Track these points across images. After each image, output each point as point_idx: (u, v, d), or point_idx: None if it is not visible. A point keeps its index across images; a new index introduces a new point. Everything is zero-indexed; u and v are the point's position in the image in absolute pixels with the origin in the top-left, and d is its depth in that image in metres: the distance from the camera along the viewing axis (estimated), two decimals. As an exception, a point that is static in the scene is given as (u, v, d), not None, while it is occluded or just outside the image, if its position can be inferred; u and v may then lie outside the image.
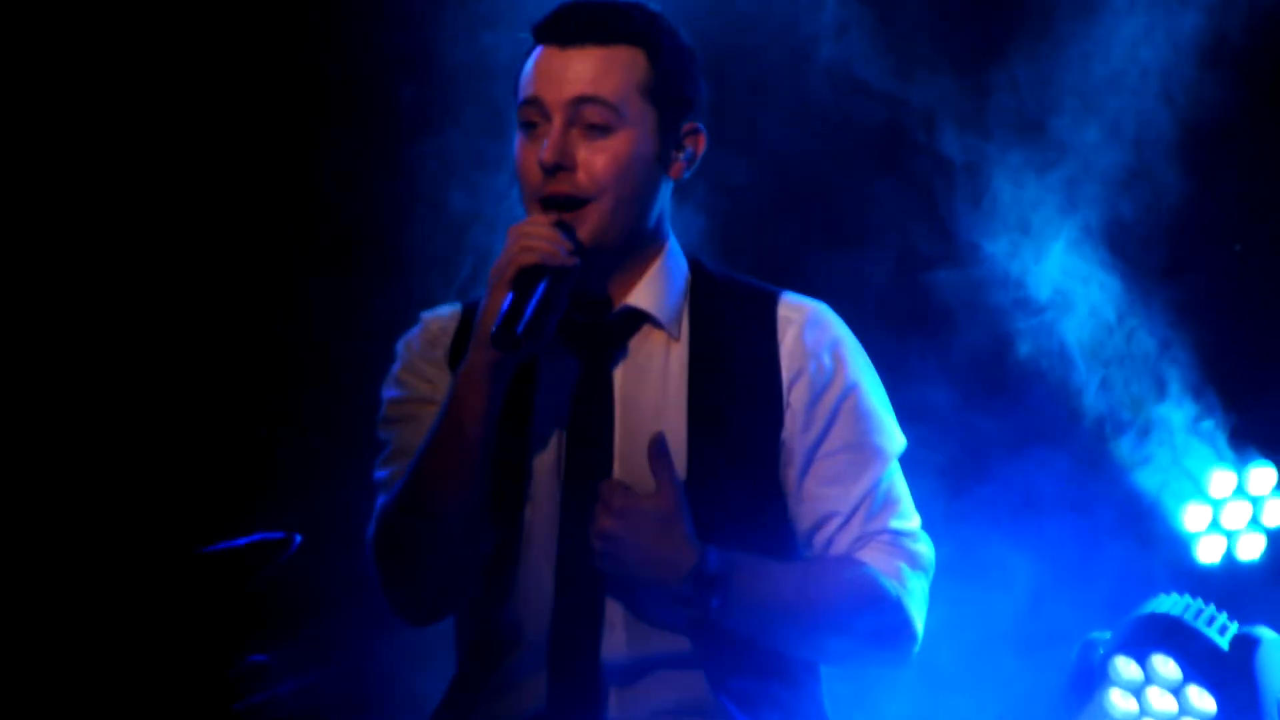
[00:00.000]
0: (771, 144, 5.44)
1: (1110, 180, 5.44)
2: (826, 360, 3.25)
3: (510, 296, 2.99)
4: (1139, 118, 5.38)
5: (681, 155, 3.25)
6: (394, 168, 5.33)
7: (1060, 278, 5.47)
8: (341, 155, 5.39)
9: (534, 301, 2.99)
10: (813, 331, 3.26)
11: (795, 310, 3.28)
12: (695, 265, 3.30)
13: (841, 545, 3.20)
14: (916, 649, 3.23)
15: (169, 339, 5.33)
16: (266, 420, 5.44)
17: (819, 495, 3.22)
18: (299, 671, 5.19)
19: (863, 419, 3.26)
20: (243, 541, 3.41)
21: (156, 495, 5.20)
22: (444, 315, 3.34)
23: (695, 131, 3.27)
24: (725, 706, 3.12)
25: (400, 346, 3.31)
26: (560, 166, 3.12)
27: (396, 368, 3.29)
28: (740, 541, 3.13)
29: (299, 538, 3.31)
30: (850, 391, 3.26)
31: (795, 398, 3.20)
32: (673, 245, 3.28)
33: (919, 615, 3.23)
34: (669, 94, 3.23)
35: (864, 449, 3.25)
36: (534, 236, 3.04)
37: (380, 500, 3.20)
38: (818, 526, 3.22)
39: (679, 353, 3.22)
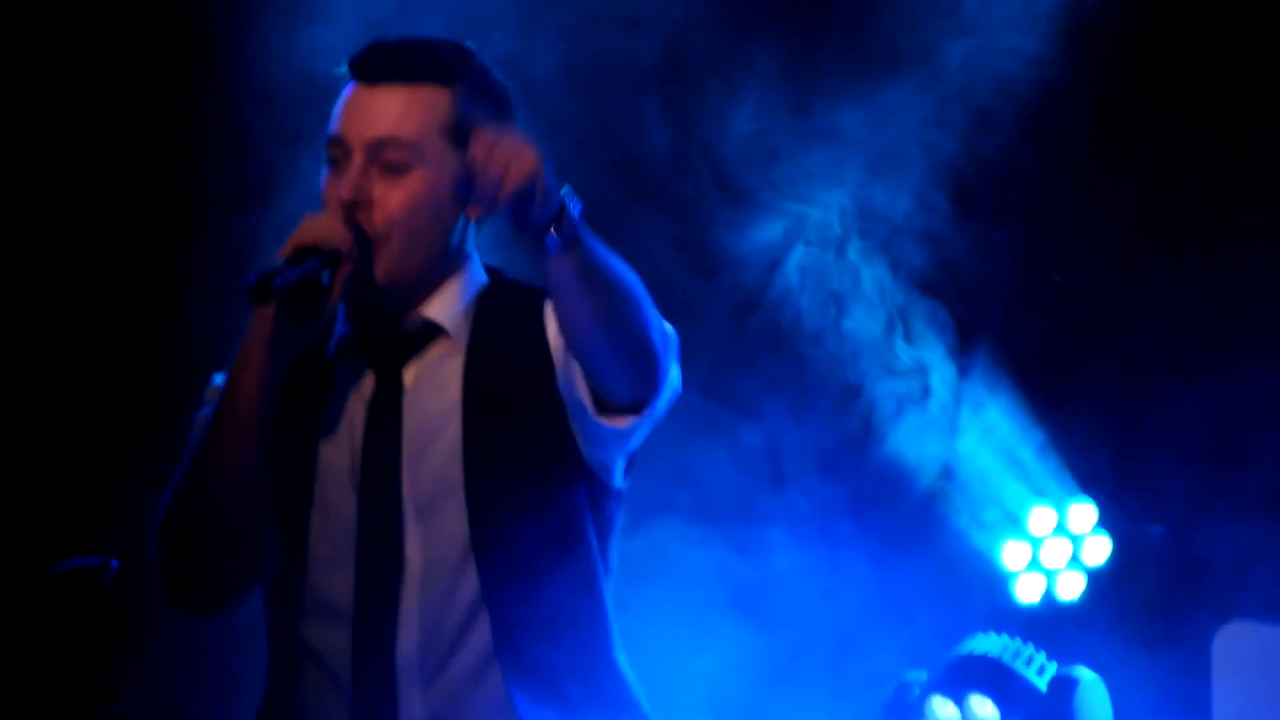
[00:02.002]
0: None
1: (924, 224, 5.47)
2: None
3: (280, 261, 3.08)
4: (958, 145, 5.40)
5: None
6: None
7: (878, 313, 5.47)
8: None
9: (300, 268, 3.07)
10: None
11: None
12: (493, 276, 3.36)
13: None
14: (663, 395, 3.18)
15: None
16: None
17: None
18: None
19: None
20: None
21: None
22: None
23: None
24: (517, 702, 3.16)
25: (215, 377, 3.33)
26: (356, 203, 3.18)
27: (206, 393, 3.32)
28: (525, 521, 3.19)
29: (115, 563, 3.42)
30: None
31: (556, 342, 3.22)
32: (474, 263, 3.34)
33: (674, 362, 3.23)
34: (472, 134, 3.20)
35: None
36: (317, 220, 3.14)
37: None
38: None
39: (458, 357, 3.27)
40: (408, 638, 3.17)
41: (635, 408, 3.12)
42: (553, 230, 2.92)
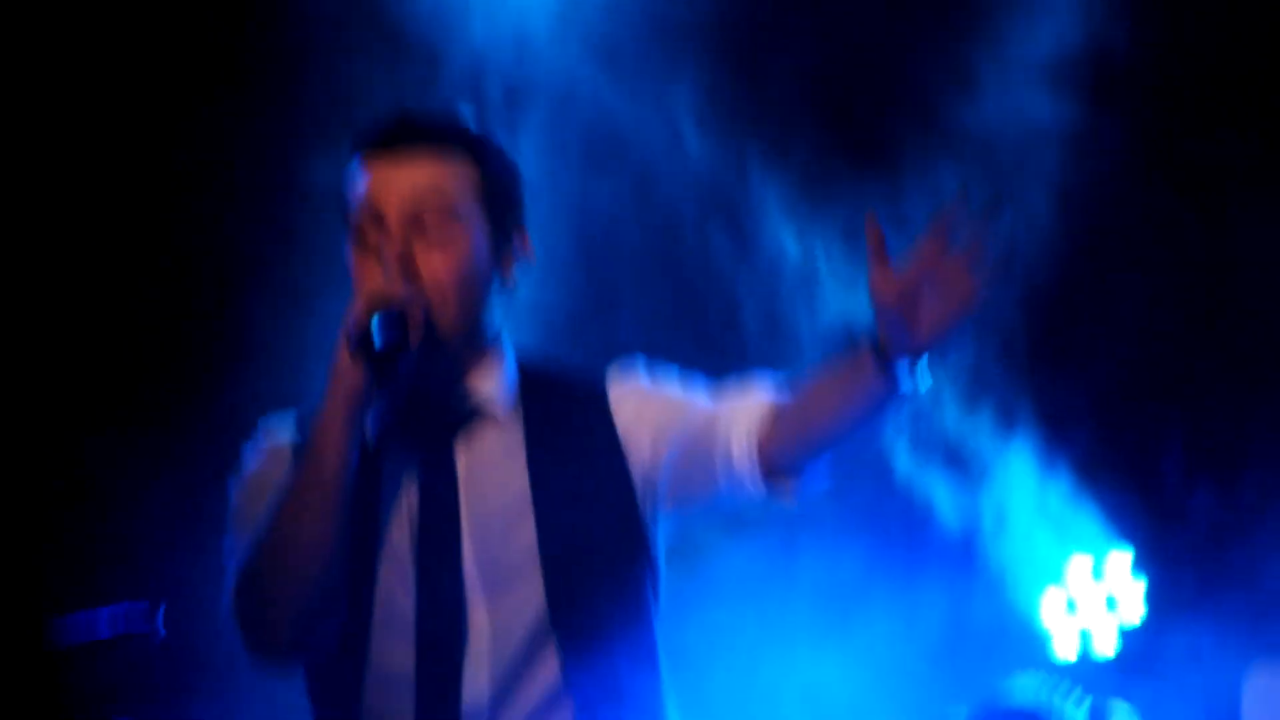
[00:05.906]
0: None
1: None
2: (643, 382, 3.34)
3: (374, 320, 3.10)
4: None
5: (511, 258, 3.34)
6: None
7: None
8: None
9: (388, 325, 3.10)
10: (630, 374, 3.37)
11: (619, 373, 3.38)
12: (524, 358, 3.39)
13: (745, 419, 3.20)
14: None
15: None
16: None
17: (702, 437, 3.24)
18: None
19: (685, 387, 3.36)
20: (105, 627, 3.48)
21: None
22: (280, 418, 3.40)
23: (522, 234, 3.36)
24: None
25: (243, 451, 3.37)
26: (402, 270, 3.19)
27: (240, 464, 3.36)
28: (600, 598, 3.24)
29: (164, 604, 3.29)
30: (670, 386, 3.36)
31: (630, 427, 3.29)
32: (506, 342, 3.36)
33: None
34: (499, 199, 3.33)
35: (694, 390, 3.33)
36: (382, 280, 3.16)
37: (245, 545, 3.23)
38: (723, 436, 3.21)
39: (515, 433, 3.30)
40: (476, 700, 3.19)
41: (795, 473, 3.15)
42: (918, 364, 2.98)
